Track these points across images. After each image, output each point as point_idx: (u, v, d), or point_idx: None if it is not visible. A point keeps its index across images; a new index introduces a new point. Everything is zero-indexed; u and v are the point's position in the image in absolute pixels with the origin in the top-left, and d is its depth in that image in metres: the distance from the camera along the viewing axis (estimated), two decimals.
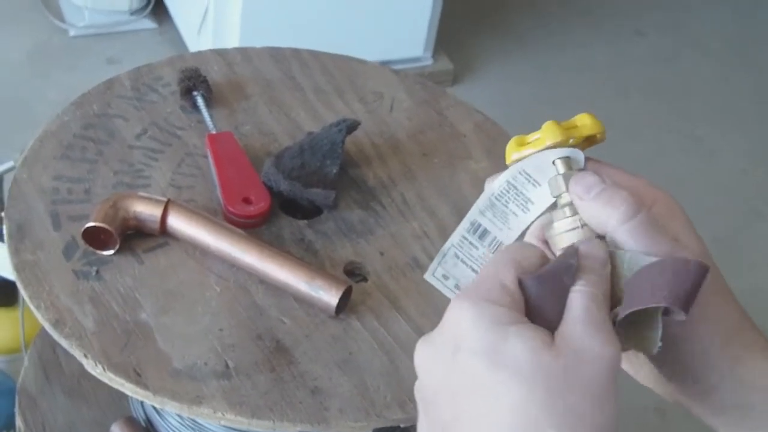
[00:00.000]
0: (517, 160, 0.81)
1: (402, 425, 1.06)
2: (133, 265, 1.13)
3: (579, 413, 0.65)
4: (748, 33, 3.46)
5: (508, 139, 0.83)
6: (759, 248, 2.68)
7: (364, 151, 1.31)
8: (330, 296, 1.10)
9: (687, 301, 0.70)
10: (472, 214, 0.81)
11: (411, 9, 2.76)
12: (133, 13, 2.84)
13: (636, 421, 2.19)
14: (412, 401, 1.05)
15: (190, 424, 1.27)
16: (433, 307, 1.14)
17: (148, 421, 1.33)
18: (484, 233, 0.81)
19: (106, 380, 1.04)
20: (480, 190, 0.82)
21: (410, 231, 1.22)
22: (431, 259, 1.17)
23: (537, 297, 0.71)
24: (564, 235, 0.79)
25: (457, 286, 0.82)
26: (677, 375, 0.79)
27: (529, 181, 0.81)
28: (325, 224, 1.21)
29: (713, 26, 3.45)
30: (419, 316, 1.13)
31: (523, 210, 0.81)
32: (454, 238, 0.82)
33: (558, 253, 0.78)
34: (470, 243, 0.82)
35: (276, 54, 1.42)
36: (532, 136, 0.81)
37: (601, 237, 0.77)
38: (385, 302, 1.14)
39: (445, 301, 1.13)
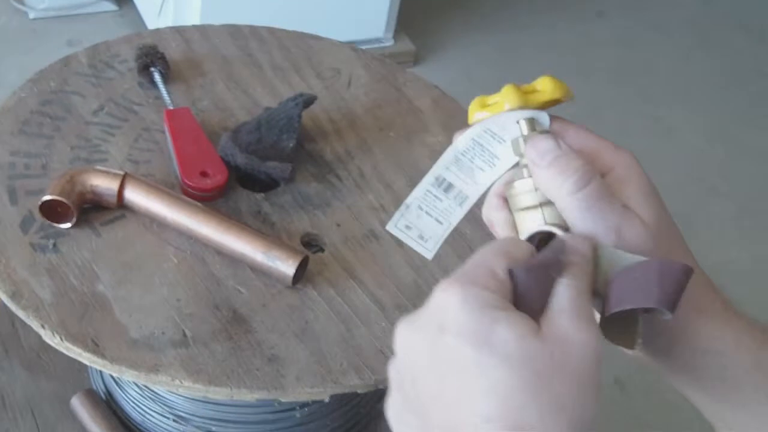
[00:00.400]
0: (478, 121, 0.82)
1: (358, 391, 1.07)
2: (90, 238, 1.14)
3: (564, 401, 0.65)
4: (708, 14, 3.49)
5: (465, 114, 0.84)
6: (716, 224, 2.71)
7: (321, 126, 1.32)
8: (286, 266, 1.12)
9: (675, 302, 0.72)
10: (437, 170, 0.82)
11: None
12: None
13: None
14: (369, 368, 1.07)
15: (149, 395, 1.28)
16: (390, 277, 1.16)
17: (108, 393, 1.34)
18: (449, 187, 0.82)
19: (63, 350, 1.05)
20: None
21: (367, 203, 1.24)
22: (388, 231, 1.19)
23: (525, 287, 0.71)
24: (522, 195, 0.79)
25: (420, 236, 0.83)
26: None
27: (495, 139, 0.81)
28: (282, 197, 1.23)
29: (673, 8, 3.47)
30: (375, 285, 1.15)
31: (489, 165, 0.81)
32: (418, 191, 0.82)
33: (516, 212, 0.79)
34: (435, 196, 0.82)
35: (234, 31, 1.43)
36: (493, 98, 0.82)
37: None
38: (341, 272, 1.15)
39: (401, 271, 1.16)
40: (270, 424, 1.29)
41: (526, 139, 0.80)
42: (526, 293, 0.70)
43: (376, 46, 2.82)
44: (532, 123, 0.81)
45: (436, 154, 1.21)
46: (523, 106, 0.81)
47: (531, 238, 0.78)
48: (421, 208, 0.82)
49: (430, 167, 1.26)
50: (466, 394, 0.66)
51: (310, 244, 1.19)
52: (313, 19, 2.61)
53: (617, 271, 0.74)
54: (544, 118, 0.81)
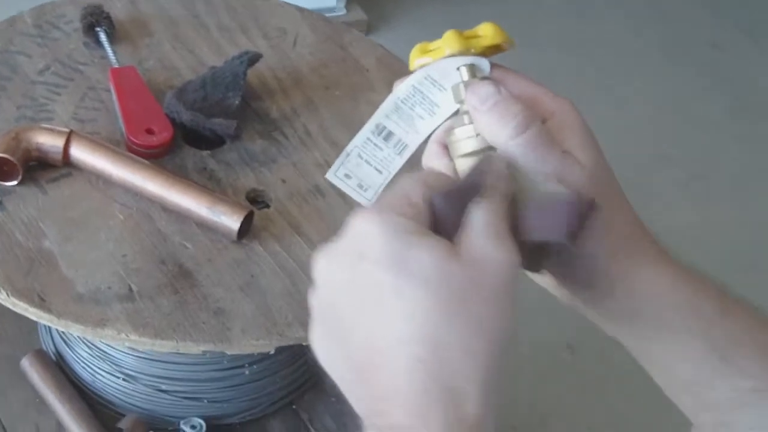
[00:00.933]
0: (420, 67, 0.83)
1: (304, 343, 1.08)
2: (36, 196, 1.15)
3: (482, 319, 0.66)
4: None
5: (410, 72, 0.84)
6: (667, 191, 2.74)
7: (267, 85, 1.33)
8: (231, 221, 1.12)
9: (576, 236, 0.74)
10: (377, 117, 0.82)
11: None
12: None
13: (547, 358, 2.23)
14: None
15: (98, 355, 1.29)
16: (335, 232, 1.16)
17: (58, 354, 1.34)
18: (389, 135, 0.82)
19: (10, 306, 1.06)
20: None
21: (312, 160, 1.25)
22: (333, 186, 1.19)
23: (443, 213, 0.71)
24: (462, 142, 0.80)
25: (360, 185, 0.83)
26: (569, 280, 0.81)
27: (435, 86, 0.82)
28: (228, 154, 1.23)
29: None
30: (320, 240, 1.15)
31: (429, 113, 0.82)
32: (358, 140, 0.82)
33: (456, 158, 0.80)
34: (375, 144, 0.82)
35: None
36: (434, 44, 0.83)
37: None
38: (287, 227, 1.17)
39: (346, 223, 1.16)
40: (219, 382, 1.30)
41: (466, 85, 0.80)
42: (444, 219, 0.71)
43: (328, 15, 2.82)
44: (472, 69, 0.81)
45: None
46: (465, 51, 0.81)
47: None
48: (360, 157, 0.83)
49: None
50: (385, 317, 0.67)
51: (255, 201, 1.20)
52: None
53: (530, 202, 0.75)
54: (484, 64, 0.82)
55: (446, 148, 0.81)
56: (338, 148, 1.26)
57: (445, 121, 0.82)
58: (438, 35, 0.84)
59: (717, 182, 2.80)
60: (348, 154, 0.83)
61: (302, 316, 1.08)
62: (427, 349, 0.66)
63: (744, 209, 2.73)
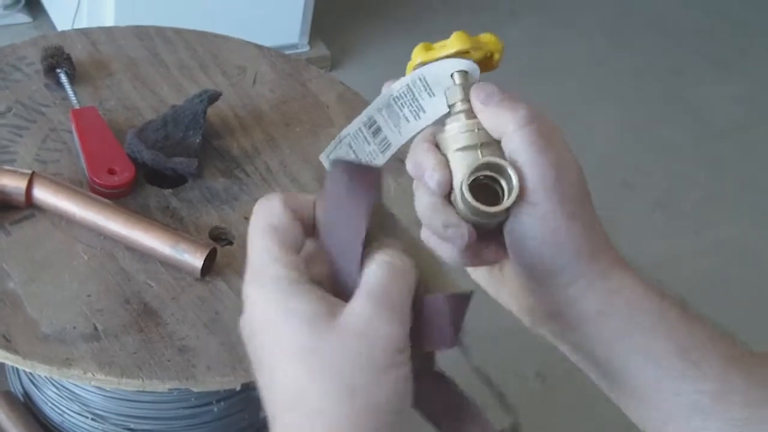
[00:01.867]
0: (422, 64, 0.84)
1: None
2: None
3: (351, 386, 0.66)
4: (621, 14, 3.55)
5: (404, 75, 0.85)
6: (632, 218, 2.76)
7: (227, 123, 1.34)
8: (194, 259, 1.14)
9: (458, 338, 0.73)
10: (371, 110, 0.83)
11: None
12: (6, 7, 2.82)
13: (516, 386, 2.24)
14: None
15: (67, 395, 1.29)
16: None
17: (26, 395, 1.35)
18: (378, 131, 0.83)
19: None
20: None
21: None
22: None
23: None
24: (457, 136, 0.81)
25: None
26: (533, 288, 0.83)
27: (426, 90, 0.83)
28: (190, 192, 1.24)
29: (586, 7, 3.53)
30: None
31: (415, 117, 0.83)
32: (351, 127, 0.84)
33: (449, 154, 0.80)
34: (364, 137, 0.84)
35: (140, 32, 1.45)
36: (439, 44, 0.85)
37: (497, 141, 0.81)
38: None
39: None
40: (188, 420, 1.31)
41: (463, 87, 0.82)
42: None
43: (291, 52, 2.84)
44: (465, 76, 0.83)
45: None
46: (470, 51, 0.83)
47: (473, 177, 0.80)
48: (350, 147, 0.84)
49: None
50: (270, 388, 0.69)
51: (219, 238, 1.21)
52: (228, 26, 2.61)
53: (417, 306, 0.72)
54: (476, 72, 0.84)
55: (436, 144, 0.82)
56: (299, 184, 1.27)
57: (425, 128, 0.83)
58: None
59: (681, 209, 2.83)
60: (340, 140, 0.85)
61: None
62: (304, 419, 0.67)
63: (709, 235, 2.75)
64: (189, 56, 1.42)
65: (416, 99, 0.83)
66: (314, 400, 0.67)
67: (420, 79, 0.83)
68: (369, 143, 0.84)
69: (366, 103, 1.37)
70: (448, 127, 0.82)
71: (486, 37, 0.86)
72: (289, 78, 1.43)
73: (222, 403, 1.29)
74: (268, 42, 1.53)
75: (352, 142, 0.84)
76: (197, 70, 1.40)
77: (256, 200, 1.21)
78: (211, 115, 1.30)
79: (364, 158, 0.84)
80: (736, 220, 2.81)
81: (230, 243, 1.20)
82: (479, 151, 0.81)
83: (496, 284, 0.87)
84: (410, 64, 0.85)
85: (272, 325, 0.68)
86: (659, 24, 3.52)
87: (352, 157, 0.84)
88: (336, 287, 0.70)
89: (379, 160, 0.84)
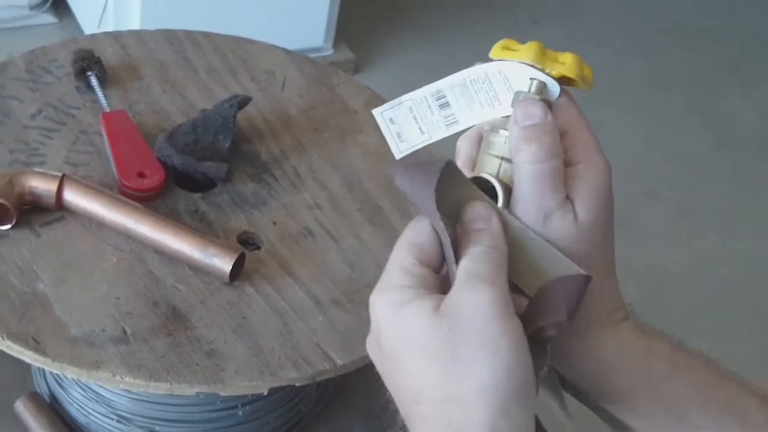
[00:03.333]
0: (498, 59, 0.84)
1: (296, 384, 1.10)
2: (29, 239, 1.16)
3: (470, 364, 0.70)
4: (642, 21, 3.54)
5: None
6: (653, 226, 2.76)
7: (256, 127, 1.35)
8: (223, 263, 1.14)
9: (575, 314, 0.76)
10: (442, 84, 0.83)
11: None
12: (32, 8, 2.84)
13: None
14: (306, 362, 1.09)
15: (93, 397, 1.29)
16: (325, 273, 1.18)
17: (52, 396, 1.35)
18: (446, 105, 0.83)
19: (5, 348, 1.07)
20: (369, 163, 0.84)
21: (302, 202, 1.26)
22: (323, 228, 1.22)
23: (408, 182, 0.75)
24: (496, 142, 0.81)
25: (399, 135, 0.84)
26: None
27: (505, 84, 0.83)
28: (219, 197, 1.25)
29: (607, 15, 3.53)
30: (311, 281, 1.17)
31: (490, 105, 0.83)
32: (416, 94, 0.83)
33: (484, 153, 0.82)
34: (428, 106, 0.83)
35: (169, 36, 1.45)
36: (517, 46, 0.84)
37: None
38: (278, 269, 1.18)
39: (336, 266, 1.18)
40: (213, 423, 1.31)
41: (525, 97, 0.82)
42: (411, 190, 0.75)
43: (316, 55, 2.84)
44: (541, 87, 0.82)
45: (369, 154, 1.25)
46: (536, 66, 0.83)
47: (477, 180, 0.81)
48: (411, 110, 0.84)
49: (364, 166, 1.29)
50: (401, 385, 0.73)
51: (247, 242, 1.21)
52: (253, 29, 2.60)
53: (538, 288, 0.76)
54: (555, 88, 0.83)
55: (482, 138, 0.83)
56: (328, 189, 1.28)
57: (498, 118, 0.83)
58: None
59: (703, 219, 2.82)
60: (401, 102, 0.84)
61: (294, 357, 1.09)
62: (432, 407, 0.70)
63: (730, 245, 2.75)
64: (218, 60, 1.43)
65: (494, 89, 0.83)
66: (437, 390, 0.71)
67: (500, 72, 0.83)
68: (433, 113, 0.83)
69: None
70: (499, 129, 0.82)
71: (566, 58, 0.84)
72: (317, 83, 1.43)
73: (247, 407, 1.29)
74: (292, 45, 1.54)
75: (414, 106, 0.84)
76: (226, 74, 1.41)
77: (284, 205, 1.24)
78: (240, 119, 1.31)
79: (424, 126, 0.83)
80: (758, 229, 2.81)
81: (258, 248, 1.20)
82: (500, 164, 0.81)
83: None
84: (491, 53, 0.85)
85: (394, 332, 0.73)
86: (680, 32, 3.52)
87: (409, 120, 0.84)
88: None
89: (442, 132, 0.84)
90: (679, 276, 2.59)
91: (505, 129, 0.81)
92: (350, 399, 0.90)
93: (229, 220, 1.22)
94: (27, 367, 1.37)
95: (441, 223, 0.74)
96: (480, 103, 0.83)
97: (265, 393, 1.10)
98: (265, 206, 1.25)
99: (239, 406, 1.29)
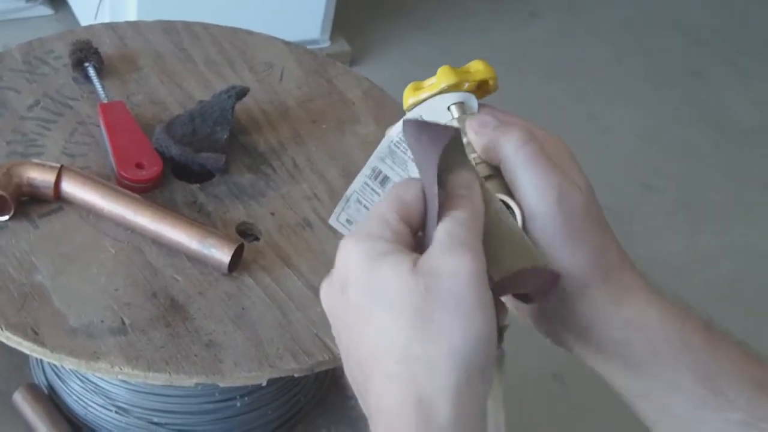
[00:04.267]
0: (414, 104, 0.84)
1: (295, 375, 1.09)
2: (28, 230, 1.16)
3: (441, 328, 0.69)
4: (641, 14, 3.54)
5: (396, 105, 0.86)
6: (651, 219, 2.75)
7: (254, 119, 1.34)
8: (222, 254, 1.14)
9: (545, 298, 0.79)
10: (373, 161, 0.84)
11: None
12: (28, 0, 2.83)
13: (536, 388, 2.24)
14: (305, 352, 1.09)
15: (91, 388, 1.29)
16: (324, 263, 1.18)
17: (51, 387, 1.35)
18: (385, 180, 0.83)
19: (3, 339, 1.06)
20: (367, 153, 0.84)
21: (300, 193, 1.26)
22: (321, 218, 1.21)
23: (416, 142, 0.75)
24: None
25: None
26: (557, 312, 0.83)
27: None
28: (217, 188, 1.25)
29: (605, 9, 3.52)
30: (310, 272, 1.17)
31: None
32: (357, 184, 0.84)
33: None
34: (372, 189, 0.84)
35: (167, 27, 1.45)
36: (428, 81, 0.85)
37: (495, 170, 0.81)
38: (276, 260, 1.18)
39: (335, 257, 1.18)
40: (211, 414, 1.31)
41: (460, 120, 0.82)
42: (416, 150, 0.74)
43: (312, 47, 2.83)
44: (462, 107, 0.83)
45: (367, 145, 1.24)
46: (459, 84, 0.83)
47: None
48: (359, 202, 0.85)
49: (362, 157, 1.29)
50: (364, 338, 0.71)
51: (245, 233, 1.21)
52: (250, 20, 2.61)
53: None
54: (473, 102, 0.84)
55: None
56: (326, 180, 1.27)
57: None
58: (421, 67, 0.86)
59: (701, 212, 2.82)
60: (348, 200, 0.85)
61: (293, 348, 1.09)
62: (398, 365, 0.69)
63: (728, 238, 2.75)
64: (216, 51, 1.42)
65: None
66: (405, 346, 0.69)
67: (417, 119, 0.83)
68: (378, 194, 0.84)
69: (390, 100, 1.38)
70: None
71: (475, 65, 0.85)
72: (315, 74, 1.43)
73: (246, 398, 1.29)
74: (289, 36, 1.53)
75: (360, 197, 0.85)
76: (224, 65, 1.41)
77: (282, 196, 1.23)
78: (239, 110, 1.30)
79: None
80: (756, 222, 2.81)
81: (257, 239, 1.20)
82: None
83: (513, 300, 0.86)
84: (404, 105, 0.85)
85: (365, 282, 0.71)
86: (679, 26, 3.52)
87: (362, 211, 0.85)
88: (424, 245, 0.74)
89: None
90: (679, 269, 2.59)
91: None
92: (348, 390, 0.90)
93: (228, 211, 1.22)
94: (25, 358, 1.37)
95: (435, 188, 0.73)
96: (413, 160, 0.83)
97: (264, 384, 1.10)
98: (263, 197, 1.24)
99: (238, 397, 1.29)
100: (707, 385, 0.80)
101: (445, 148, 0.73)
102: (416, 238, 0.75)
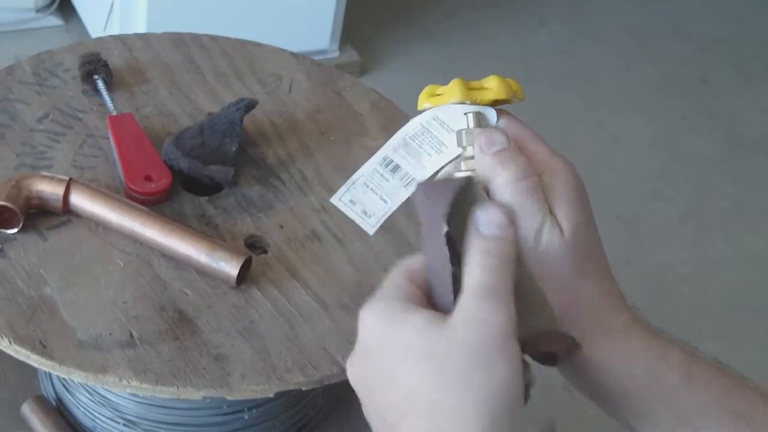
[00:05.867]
0: (426, 110, 0.85)
1: (303, 388, 1.09)
2: (37, 243, 1.16)
3: (468, 379, 0.69)
4: (648, 23, 3.54)
5: (404, 117, 0.86)
6: (660, 227, 2.75)
7: (263, 131, 1.35)
8: (230, 267, 1.14)
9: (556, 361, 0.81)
10: (385, 150, 0.85)
11: (316, 1, 2.79)
12: (38, 10, 2.83)
13: (544, 399, 2.23)
14: (312, 366, 1.09)
15: (99, 400, 1.29)
16: (332, 276, 1.18)
17: (59, 399, 1.35)
18: (396, 168, 0.84)
19: (12, 353, 1.07)
20: None
21: (309, 205, 1.26)
22: (330, 231, 1.21)
23: (425, 203, 0.75)
24: None
25: (364, 212, 0.85)
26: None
27: (444, 127, 0.84)
28: (226, 200, 1.25)
29: (613, 17, 3.52)
30: (318, 285, 1.17)
31: (437, 152, 0.84)
32: (365, 169, 0.85)
33: None
34: (381, 175, 0.85)
35: (176, 39, 1.45)
36: (442, 89, 0.85)
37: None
38: (285, 273, 1.18)
39: (343, 270, 1.18)
40: (219, 426, 1.31)
41: (468, 132, 0.82)
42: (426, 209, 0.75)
43: (322, 57, 2.85)
44: (478, 118, 0.83)
45: None
46: (466, 102, 0.83)
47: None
48: (366, 185, 0.85)
49: None
50: (390, 397, 0.71)
51: (253, 246, 1.21)
52: (259, 31, 2.62)
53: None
54: (491, 114, 0.84)
55: None
56: (334, 192, 1.27)
57: (452, 160, 0.84)
58: (431, 76, 0.87)
59: (710, 220, 2.81)
60: (354, 182, 0.85)
61: (301, 361, 1.09)
62: (423, 417, 0.69)
63: (738, 245, 2.74)
64: (225, 63, 1.43)
65: (435, 136, 0.84)
66: (431, 398, 0.69)
67: (435, 119, 0.84)
68: (388, 180, 0.84)
69: (399, 111, 1.39)
70: (455, 175, 0.82)
71: (490, 82, 0.85)
72: (323, 86, 1.43)
73: (254, 411, 1.29)
74: (298, 47, 1.54)
75: (368, 181, 0.85)
76: (233, 77, 1.41)
77: (291, 208, 1.23)
78: (247, 122, 1.30)
79: (384, 195, 0.85)
80: (765, 230, 2.80)
81: (265, 251, 1.20)
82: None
83: None
84: (419, 106, 0.86)
85: (386, 340, 0.72)
86: (686, 34, 3.51)
87: (369, 194, 0.85)
88: (436, 308, 0.74)
89: (403, 194, 0.85)
90: (687, 277, 2.58)
91: (460, 170, 0.82)
92: (356, 403, 0.90)
93: (236, 223, 1.22)
94: (33, 370, 1.37)
95: (444, 239, 0.73)
96: (428, 153, 0.84)
97: (272, 396, 1.10)
98: (271, 210, 1.25)
99: (245, 409, 1.29)
100: (683, 422, 0.81)
101: (455, 199, 0.74)
102: (428, 301, 0.75)
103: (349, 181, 0.86)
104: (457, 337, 0.70)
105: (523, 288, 0.76)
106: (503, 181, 0.79)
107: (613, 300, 0.83)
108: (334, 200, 0.86)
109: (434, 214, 0.74)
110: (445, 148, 0.84)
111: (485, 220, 0.75)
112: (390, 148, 0.85)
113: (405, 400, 0.70)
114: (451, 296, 0.73)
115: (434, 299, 0.75)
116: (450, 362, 0.69)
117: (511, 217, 0.77)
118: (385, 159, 0.85)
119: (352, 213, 0.86)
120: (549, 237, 0.79)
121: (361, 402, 0.75)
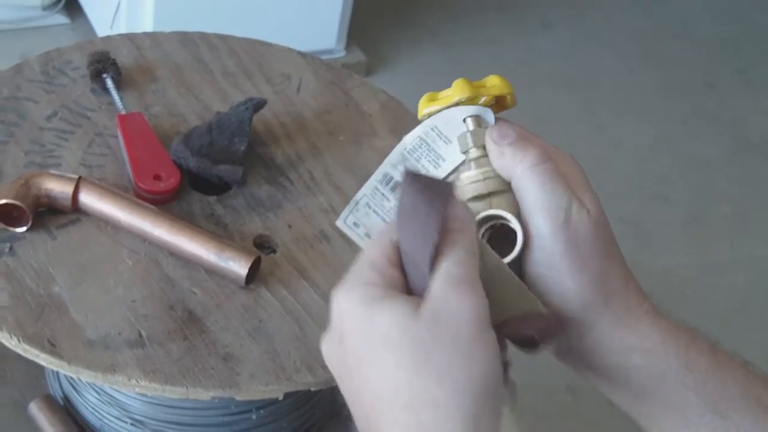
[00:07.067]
0: (428, 115, 0.84)
1: (312, 389, 1.09)
2: (46, 241, 1.16)
3: (446, 366, 0.68)
4: (652, 26, 3.54)
5: (412, 117, 0.86)
6: (664, 231, 2.75)
7: (271, 131, 1.34)
8: (239, 267, 1.14)
9: (539, 345, 0.79)
10: (384, 167, 0.84)
11: (323, 1, 2.79)
12: (45, 8, 2.83)
13: (547, 400, 2.24)
14: (322, 366, 1.08)
15: (107, 400, 1.29)
16: (341, 276, 1.17)
17: (66, 398, 1.35)
18: (396, 186, 0.84)
19: (20, 351, 1.06)
20: None
21: (317, 205, 1.26)
22: (338, 231, 1.21)
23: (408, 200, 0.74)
24: (468, 186, 0.82)
25: (367, 234, 0.85)
26: (561, 335, 0.83)
27: (441, 138, 0.84)
28: (235, 200, 1.25)
29: (616, 20, 3.52)
30: (327, 284, 1.17)
31: (434, 166, 0.84)
32: (367, 188, 0.85)
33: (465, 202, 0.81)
34: (382, 194, 0.84)
35: (184, 38, 1.45)
36: (444, 93, 0.85)
37: (507, 186, 0.81)
38: (293, 272, 1.18)
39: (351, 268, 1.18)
40: (227, 427, 1.31)
41: (474, 134, 0.82)
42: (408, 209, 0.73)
43: (328, 57, 2.85)
44: (478, 120, 0.83)
45: (383, 157, 1.23)
46: (474, 98, 0.83)
47: (485, 220, 0.81)
48: (369, 206, 0.85)
49: None
50: (368, 385, 0.71)
51: (262, 246, 1.21)
52: (266, 30, 2.61)
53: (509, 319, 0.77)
54: (489, 115, 0.84)
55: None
56: (342, 192, 1.27)
57: (449, 174, 0.84)
58: (436, 77, 0.86)
59: (714, 223, 2.81)
60: (357, 203, 0.85)
61: (310, 361, 1.09)
62: (403, 411, 0.69)
63: (741, 249, 2.74)
64: (234, 63, 1.43)
65: (432, 149, 0.84)
66: (411, 390, 0.69)
67: (432, 129, 0.84)
68: (388, 200, 0.84)
69: (407, 112, 1.38)
70: (462, 176, 0.82)
71: (491, 80, 0.86)
72: (332, 86, 1.43)
73: (261, 411, 1.29)
74: (304, 47, 1.53)
75: (370, 201, 0.85)
76: (242, 76, 1.41)
77: (300, 208, 1.23)
78: (256, 122, 1.30)
79: (385, 215, 0.85)
80: None
81: (274, 251, 1.20)
82: (489, 201, 0.81)
83: None
84: (419, 114, 0.86)
85: (362, 329, 0.71)
86: (691, 37, 3.51)
87: (371, 216, 0.85)
88: (412, 292, 0.73)
89: None
90: (691, 281, 2.58)
91: (469, 170, 0.82)
92: None
93: (245, 223, 1.22)
94: (41, 369, 1.37)
95: (436, 236, 0.72)
96: (425, 169, 0.84)
97: (281, 397, 1.10)
98: (280, 209, 1.24)
99: (253, 409, 1.29)
100: (712, 409, 0.80)
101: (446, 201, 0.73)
102: (405, 283, 0.75)
103: (352, 202, 0.86)
104: (431, 328, 0.69)
105: (491, 275, 0.76)
106: (527, 166, 0.80)
107: (636, 286, 0.84)
108: (339, 223, 0.86)
109: (430, 209, 0.73)
110: (442, 162, 0.84)
111: (451, 215, 0.75)
112: (389, 164, 0.85)
113: (382, 390, 0.70)
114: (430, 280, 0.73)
115: (409, 284, 0.74)
116: (425, 353, 0.69)
117: (471, 215, 0.77)
118: (385, 176, 0.85)
119: (356, 236, 0.86)
120: (578, 216, 0.79)
121: (338, 382, 0.75)
